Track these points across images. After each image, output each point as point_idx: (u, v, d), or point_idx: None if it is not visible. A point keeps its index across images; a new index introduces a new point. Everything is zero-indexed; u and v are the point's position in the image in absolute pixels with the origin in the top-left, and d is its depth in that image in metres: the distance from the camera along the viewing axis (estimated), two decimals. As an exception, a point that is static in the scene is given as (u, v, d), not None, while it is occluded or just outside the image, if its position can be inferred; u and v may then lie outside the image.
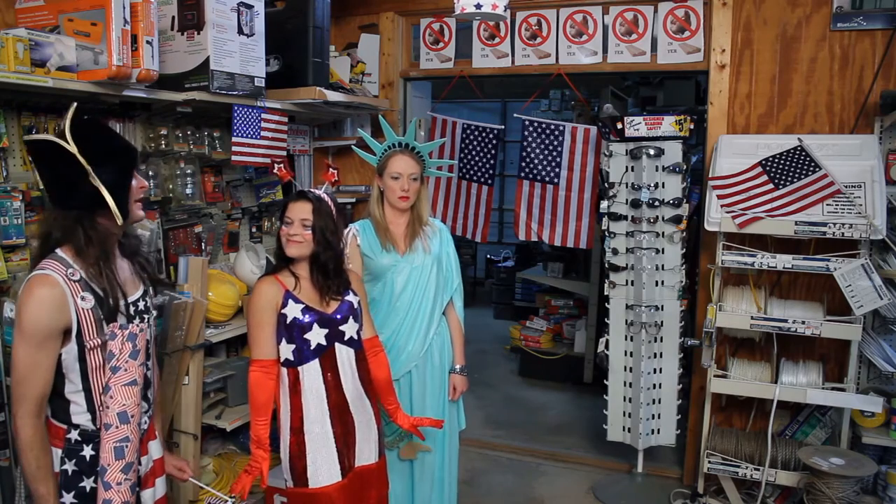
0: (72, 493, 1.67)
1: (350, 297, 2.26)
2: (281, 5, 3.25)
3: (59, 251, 1.65)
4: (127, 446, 1.64)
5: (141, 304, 1.80)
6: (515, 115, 3.99)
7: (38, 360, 1.59)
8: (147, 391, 1.82)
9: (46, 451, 1.64)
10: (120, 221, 1.66)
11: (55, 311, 1.58)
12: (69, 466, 1.67)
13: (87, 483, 1.67)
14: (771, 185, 2.99)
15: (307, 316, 2.16)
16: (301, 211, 2.17)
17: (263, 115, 2.98)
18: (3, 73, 2.01)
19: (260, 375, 2.15)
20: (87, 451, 1.67)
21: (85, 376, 1.66)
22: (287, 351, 2.16)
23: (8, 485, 2.21)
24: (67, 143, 1.60)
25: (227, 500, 2.03)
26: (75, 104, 1.67)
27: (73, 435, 1.67)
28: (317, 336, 2.17)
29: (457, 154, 4.13)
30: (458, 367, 2.68)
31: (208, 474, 2.85)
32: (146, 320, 1.81)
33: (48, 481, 1.64)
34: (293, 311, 2.14)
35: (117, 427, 1.63)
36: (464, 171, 4.16)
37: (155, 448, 1.90)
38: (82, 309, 1.62)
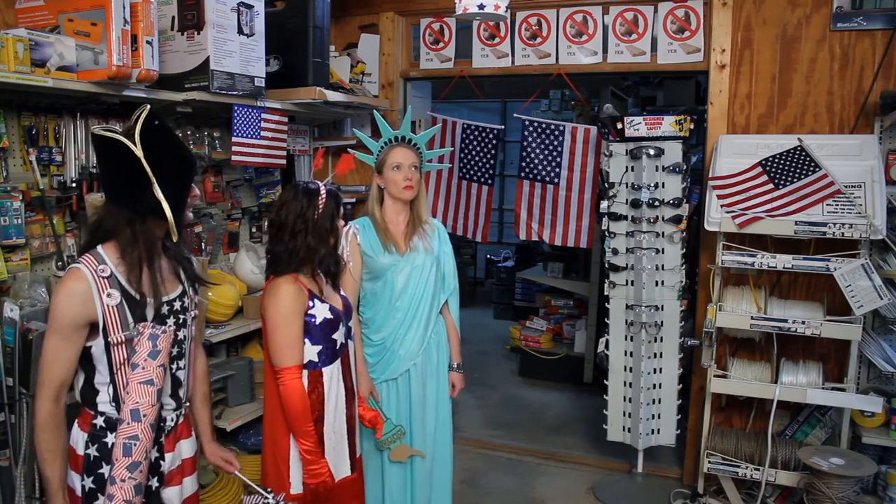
0: (91, 478, 1.70)
1: (342, 290, 2.26)
2: (281, 5, 3.25)
3: (99, 247, 1.69)
4: (135, 444, 1.65)
5: (177, 304, 1.81)
6: (515, 115, 3.99)
7: (61, 349, 1.65)
8: (178, 390, 1.84)
9: (59, 436, 1.68)
10: (175, 238, 1.70)
11: (80, 304, 1.63)
12: (92, 451, 1.71)
13: (106, 470, 1.70)
14: (771, 185, 2.99)
15: (333, 314, 2.11)
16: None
17: (263, 115, 2.98)
18: (3, 73, 2.01)
19: (299, 383, 2.02)
20: (110, 439, 1.71)
21: (111, 369, 1.70)
22: (312, 353, 2.07)
23: (8, 485, 2.20)
24: (135, 146, 1.61)
25: (267, 497, 1.95)
26: (148, 107, 1.67)
27: (99, 421, 1.72)
28: (340, 335, 2.14)
29: (457, 154, 4.13)
30: (455, 364, 2.71)
31: (208, 474, 2.85)
32: (181, 320, 1.82)
33: (55, 465, 1.68)
34: (322, 311, 2.08)
35: (128, 423, 1.65)
36: (464, 171, 4.15)
37: (186, 447, 1.89)
38: (107, 305, 1.66)
